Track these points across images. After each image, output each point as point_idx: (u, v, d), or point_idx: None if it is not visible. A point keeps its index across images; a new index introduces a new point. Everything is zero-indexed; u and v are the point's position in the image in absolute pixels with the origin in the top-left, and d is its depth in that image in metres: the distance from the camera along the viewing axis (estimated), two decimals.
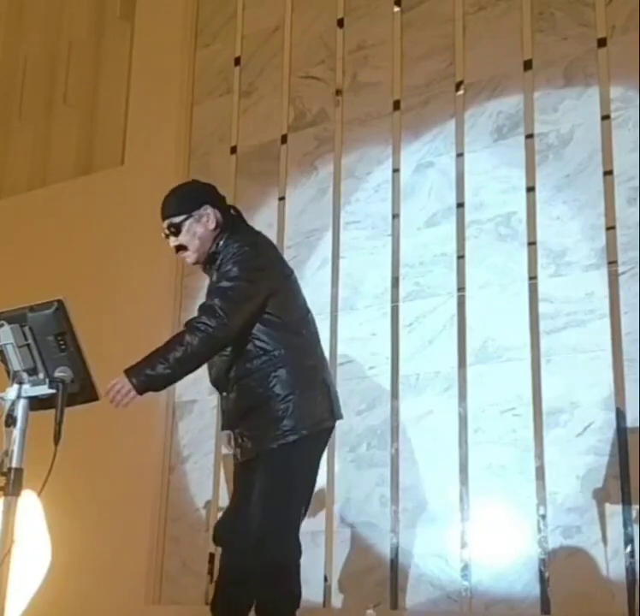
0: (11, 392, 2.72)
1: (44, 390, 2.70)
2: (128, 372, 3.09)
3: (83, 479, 5.26)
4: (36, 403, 2.73)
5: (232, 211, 3.44)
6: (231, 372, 3.30)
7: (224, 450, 3.49)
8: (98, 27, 6.65)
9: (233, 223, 3.39)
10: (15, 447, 2.66)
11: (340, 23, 5.37)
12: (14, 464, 2.65)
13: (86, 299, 5.10)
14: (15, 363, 2.75)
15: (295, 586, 3.25)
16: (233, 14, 5.83)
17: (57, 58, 6.73)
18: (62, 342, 2.71)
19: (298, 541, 3.25)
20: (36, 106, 6.71)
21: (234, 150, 5.61)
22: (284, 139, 5.41)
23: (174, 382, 3.25)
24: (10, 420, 2.67)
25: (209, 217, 3.32)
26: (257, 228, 5.25)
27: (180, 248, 3.34)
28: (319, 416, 3.30)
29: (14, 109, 6.81)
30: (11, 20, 6.99)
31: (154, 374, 3.09)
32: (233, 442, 3.42)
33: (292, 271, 3.48)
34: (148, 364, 3.10)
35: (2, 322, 2.75)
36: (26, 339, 2.74)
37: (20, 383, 2.72)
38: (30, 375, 2.73)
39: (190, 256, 3.36)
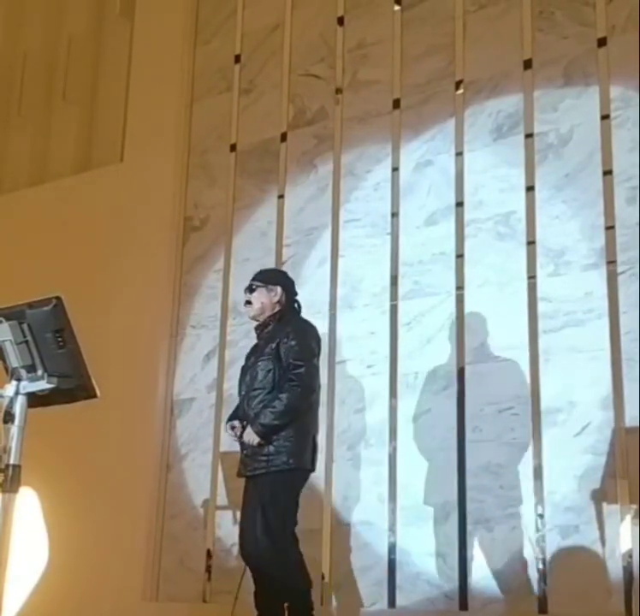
0: (9, 388, 2.71)
1: (42, 386, 2.69)
2: None
3: (81, 476, 5.26)
4: (34, 400, 2.73)
5: (296, 304, 4.10)
6: None
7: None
8: (98, 24, 6.65)
9: (291, 309, 4.03)
10: (13, 444, 2.65)
11: (341, 21, 5.36)
12: (11, 461, 2.64)
13: (85, 295, 5.10)
14: (14, 359, 2.74)
15: None
16: (233, 12, 5.83)
17: (57, 55, 6.72)
18: (60, 339, 2.70)
19: None
20: (35, 103, 6.71)
21: (233, 147, 5.61)
22: (284, 137, 5.41)
23: None
24: (8, 417, 2.67)
25: (277, 294, 3.98)
26: (255, 225, 5.35)
27: (248, 303, 4.03)
28: None
29: (13, 105, 6.80)
30: (11, 16, 6.98)
31: None
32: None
33: None
34: None
35: (1, 319, 2.73)
36: (24, 336, 2.73)
37: (19, 380, 2.71)
38: (28, 371, 2.72)
39: (250, 311, 4.03)
